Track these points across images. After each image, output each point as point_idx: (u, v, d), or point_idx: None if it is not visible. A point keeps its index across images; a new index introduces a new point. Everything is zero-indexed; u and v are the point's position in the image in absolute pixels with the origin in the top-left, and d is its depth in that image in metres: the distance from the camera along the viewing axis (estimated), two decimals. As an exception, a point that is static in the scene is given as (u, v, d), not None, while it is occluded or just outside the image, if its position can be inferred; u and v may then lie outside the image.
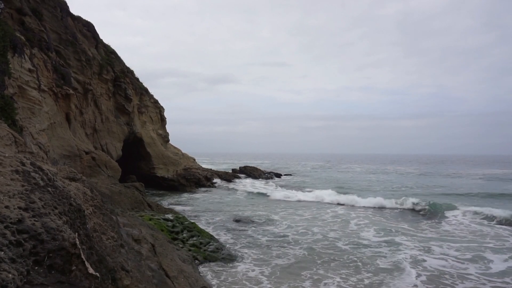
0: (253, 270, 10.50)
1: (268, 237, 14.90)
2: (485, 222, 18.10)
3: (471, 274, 10.54)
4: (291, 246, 13.50)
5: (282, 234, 15.50)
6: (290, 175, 57.83)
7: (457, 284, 9.75)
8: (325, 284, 9.87)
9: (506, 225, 17.11)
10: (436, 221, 18.71)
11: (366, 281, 9.91)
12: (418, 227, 17.26)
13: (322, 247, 13.42)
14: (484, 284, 9.86)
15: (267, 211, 21.37)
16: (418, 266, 11.12)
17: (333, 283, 9.88)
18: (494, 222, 17.86)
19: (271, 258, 11.97)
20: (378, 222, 18.49)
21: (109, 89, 27.22)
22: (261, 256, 12.08)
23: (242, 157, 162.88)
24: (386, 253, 12.56)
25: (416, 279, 10.02)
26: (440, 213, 20.24)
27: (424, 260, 11.71)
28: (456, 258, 12.10)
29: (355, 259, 11.89)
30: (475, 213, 19.52)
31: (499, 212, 18.55)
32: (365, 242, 14.19)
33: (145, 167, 33.26)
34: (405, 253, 12.59)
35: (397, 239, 14.69)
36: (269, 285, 9.50)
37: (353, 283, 9.84)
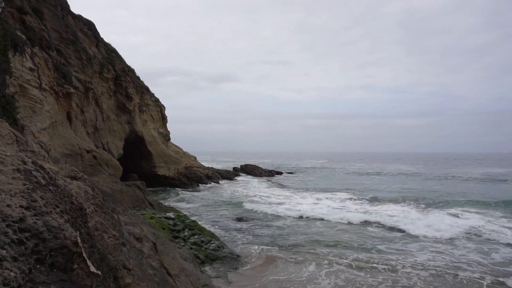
0: (259, 262, 10.57)
1: (271, 231, 15.07)
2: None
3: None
4: (297, 236, 13.80)
5: (285, 228, 15.68)
6: (292, 173, 57.91)
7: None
8: (346, 257, 10.92)
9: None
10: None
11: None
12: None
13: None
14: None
15: (269, 208, 21.40)
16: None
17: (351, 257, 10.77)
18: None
19: (279, 246, 12.38)
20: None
21: (110, 87, 27.21)
22: (268, 249, 12.30)
23: (243, 155, 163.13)
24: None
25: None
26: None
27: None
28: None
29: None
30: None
31: None
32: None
33: (146, 165, 33.29)
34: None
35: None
36: (282, 264, 9.71)
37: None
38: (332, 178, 49.49)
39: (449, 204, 22.62)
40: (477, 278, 9.97)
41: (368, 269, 10.53)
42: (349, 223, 17.20)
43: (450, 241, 14.05)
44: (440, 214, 19.53)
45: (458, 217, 18.75)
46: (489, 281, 9.69)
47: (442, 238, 14.32)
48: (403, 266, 10.87)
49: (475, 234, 14.94)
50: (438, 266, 10.96)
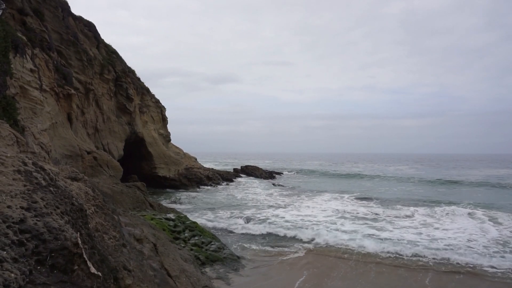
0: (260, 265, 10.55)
1: (270, 233, 15.13)
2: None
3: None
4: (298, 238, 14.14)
5: (284, 228, 15.76)
6: (292, 174, 58.02)
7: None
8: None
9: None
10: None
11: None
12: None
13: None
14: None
15: (269, 208, 21.39)
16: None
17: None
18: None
19: (280, 247, 12.56)
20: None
21: (111, 89, 27.24)
22: (269, 249, 12.31)
23: (244, 156, 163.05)
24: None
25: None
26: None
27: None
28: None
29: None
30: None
31: None
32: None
33: (146, 166, 33.29)
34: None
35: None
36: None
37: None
38: (333, 179, 49.43)
39: (462, 206, 22.31)
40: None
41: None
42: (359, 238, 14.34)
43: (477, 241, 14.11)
44: (456, 217, 19.31)
45: (475, 219, 18.61)
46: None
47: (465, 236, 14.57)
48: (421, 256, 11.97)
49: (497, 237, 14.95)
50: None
